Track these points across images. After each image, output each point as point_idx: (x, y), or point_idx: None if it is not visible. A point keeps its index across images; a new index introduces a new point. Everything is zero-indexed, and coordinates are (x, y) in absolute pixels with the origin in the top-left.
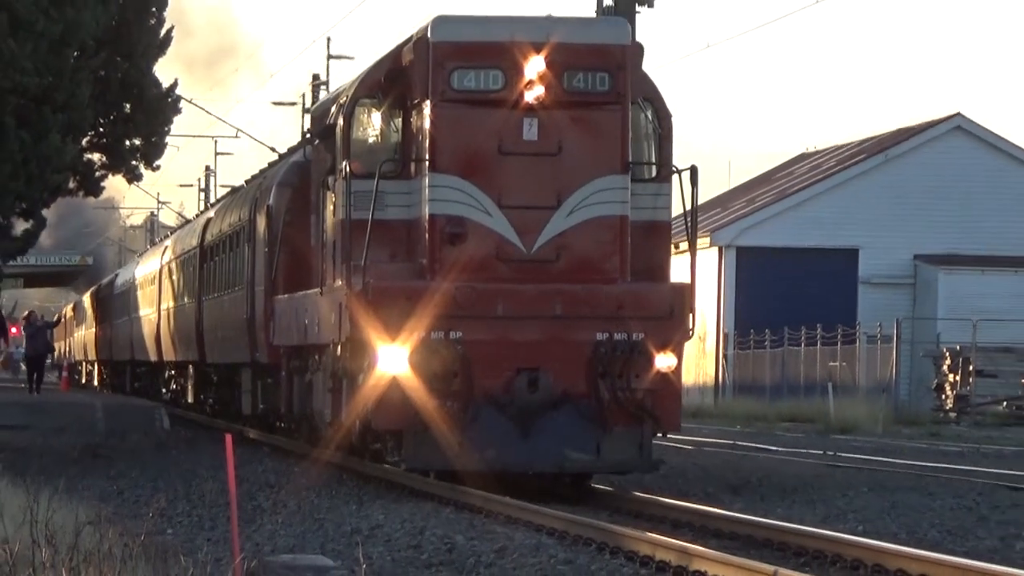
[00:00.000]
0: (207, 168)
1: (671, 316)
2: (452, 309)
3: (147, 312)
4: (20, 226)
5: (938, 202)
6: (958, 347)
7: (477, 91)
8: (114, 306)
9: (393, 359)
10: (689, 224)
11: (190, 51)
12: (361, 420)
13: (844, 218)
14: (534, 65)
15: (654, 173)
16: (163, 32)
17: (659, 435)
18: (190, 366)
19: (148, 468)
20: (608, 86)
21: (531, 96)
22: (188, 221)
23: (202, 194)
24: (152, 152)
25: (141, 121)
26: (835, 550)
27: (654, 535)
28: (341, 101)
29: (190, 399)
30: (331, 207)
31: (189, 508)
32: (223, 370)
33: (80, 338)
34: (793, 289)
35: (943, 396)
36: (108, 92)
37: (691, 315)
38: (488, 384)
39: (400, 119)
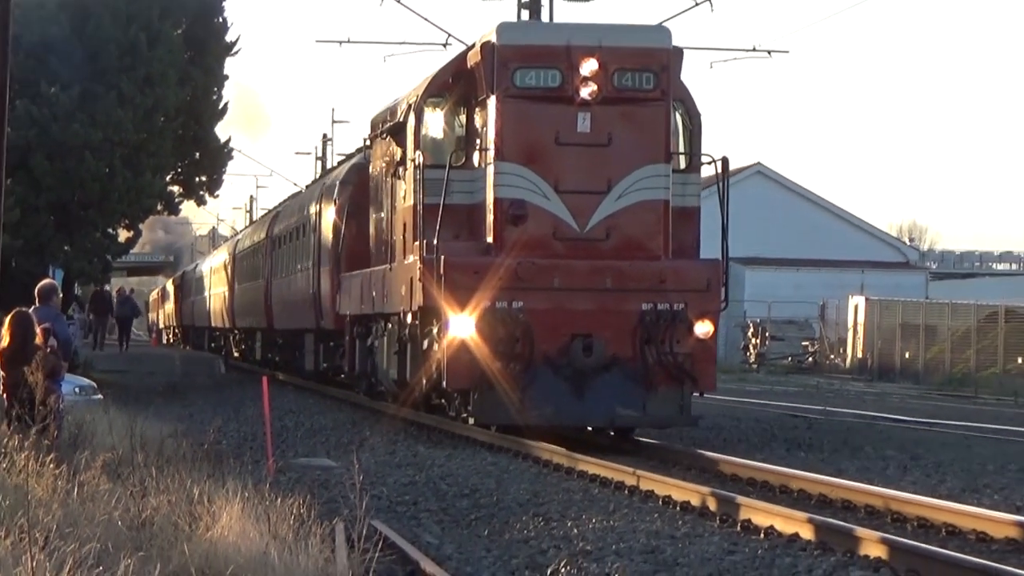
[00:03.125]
0: (251, 196)
1: (707, 289)
2: (514, 282)
3: (220, 290)
4: (123, 235)
5: (746, 222)
6: (759, 320)
7: (537, 88)
8: (193, 287)
9: (463, 326)
10: (722, 209)
11: (236, 116)
12: (430, 380)
13: None
14: (588, 65)
15: (684, 165)
16: (221, 105)
17: (696, 394)
18: (258, 332)
19: (210, 399)
20: (653, 85)
21: (585, 93)
22: (251, 224)
23: (247, 214)
24: (213, 185)
25: (206, 164)
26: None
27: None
28: (410, 101)
29: (258, 356)
30: (401, 194)
31: (237, 427)
32: (287, 335)
33: (167, 310)
34: None
35: (748, 353)
36: (184, 144)
37: (724, 288)
38: (546, 348)
39: (464, 116)
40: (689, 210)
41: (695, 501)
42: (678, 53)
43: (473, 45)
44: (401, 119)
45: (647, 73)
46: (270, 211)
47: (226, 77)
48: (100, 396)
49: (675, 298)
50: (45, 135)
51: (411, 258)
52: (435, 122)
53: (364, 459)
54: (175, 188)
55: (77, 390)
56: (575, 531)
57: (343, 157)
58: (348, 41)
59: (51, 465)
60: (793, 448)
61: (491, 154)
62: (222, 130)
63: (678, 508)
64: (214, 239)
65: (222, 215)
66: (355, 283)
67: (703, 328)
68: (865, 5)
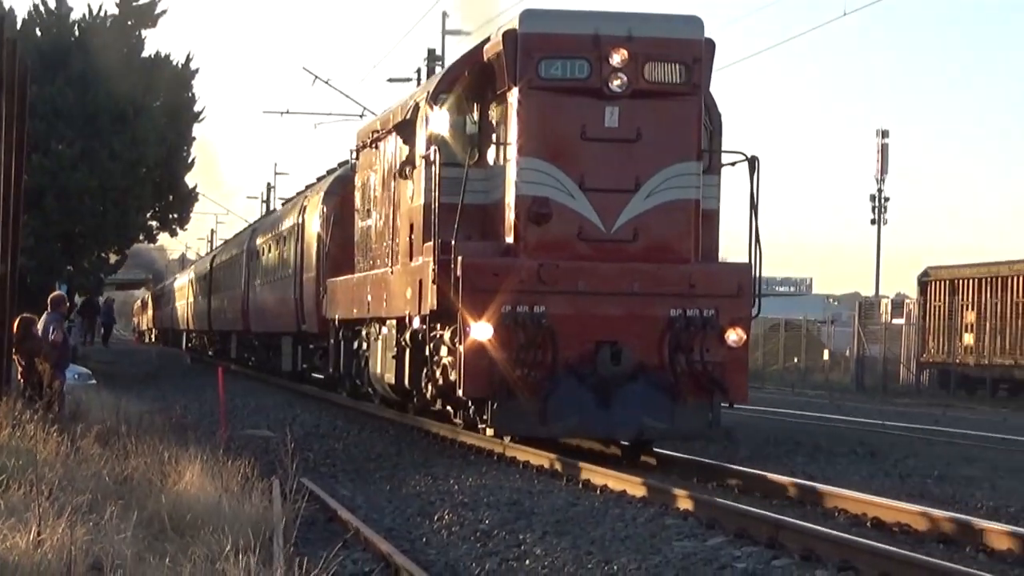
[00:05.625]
0: (212, 230)
1: (739, 295)
2: (537, 285)
3: (187, 301)
4: (113, 258)
5: None
6: None
7: (563, 80)
8: (166, 299)
9: (481, 331)
10: (751, 211)
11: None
12: (438, 386)
13: None
14: (617, 56)
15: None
16: (189, 159)
17: (725, 405)
18: (233, 334)
19: (178, 385)
20: (684, 78)
21: (614, 85)
22: (224, 242)
23: (209, 243)
24: (183, 221)
25: (177, 205)
26: None
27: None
28: (418, 99)
29: (233, 355)
30: (408, 194)
31: (199, 406)
32: (263, 337)
33: (147, 316)
34: None
35: None
36: (160, 190)
37: (756, 296)
38: (570, 355)
39: (477, 112)
40: (709, 213)
41: (547, 465)
42: (710, 45)
43: (488, 38)
44: (410, 116)
45: (679, 65)
46: (247, 227)
47: (193, 138)
48: (94, 381)
49: (705, 304)
50: (54, 182)
51: (420, 260)
52: (447, 118)
53: (296, 431)
54: (153, 223)
55: (76, 376)
56: (456, 487)
57: (324, 173)
58: (287, 112)
59: (55, 434)
60: None
61: (512, 150)
62: (190, 178)
63: (534, 470)
64: (183, 262)
65: (190, 244)
66: (344, 288)
67: (734, 336)
68: None
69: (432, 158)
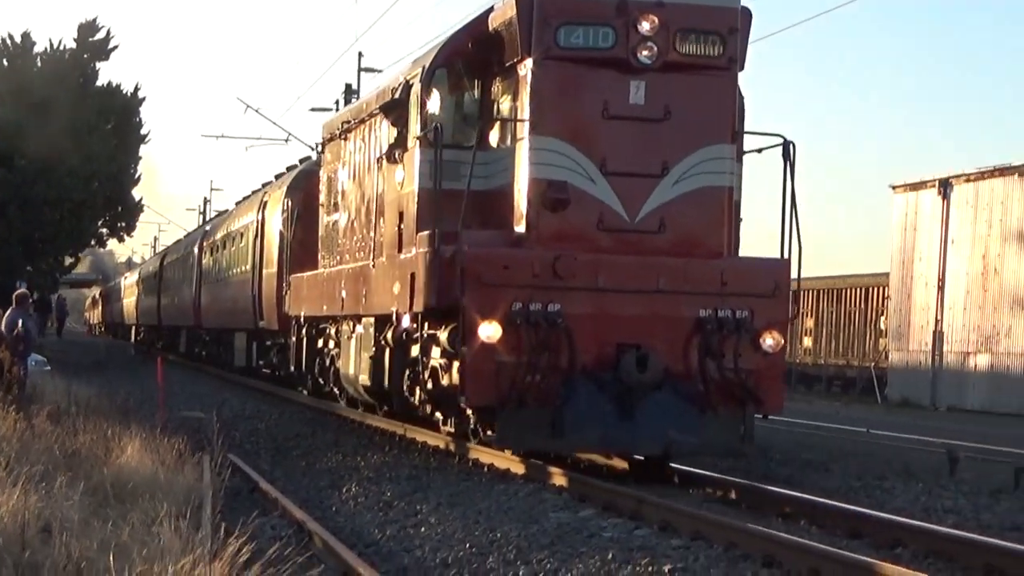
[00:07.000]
0: (155, 237)
1: (775, 294)
2: (552, 280)
3: (149, 294)
4: (68, 261)
5: None
6: None
7: (585, 49)
8: (114, 296)
9: (487, 331)
10: (791, 203)
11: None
12: (431, 390)
13: None
14: (647, 24)
15: None
16: (136, 176)
17: (760, 416)
18: (183, 329)
19: (123, 372)
20: (720, 50)
21: (643, 56)
22: (179, 239)
23: (153, 248)
24: (130, 229)
25: (125, 215)
26: None
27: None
28: (408, 76)
29: (182, 350)
30: (398, 180)
31: (140, 390)
32: (214, 333)
33: (97, 312)
34: None
35: None
36: (111, 202)
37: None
38: (588, 360)
39: (478, 89)
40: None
41: (442, 445)
42: (747, 15)
43: (491, 8)
44: (400, 95)
45: (713, 36)
46: (199, 226)
47: (140, 157)
48: (49, 368)
49: (738, 304)
50: (17, 193)
51: (413, 251)
52: (445, 95)
53: (224, 413)
54: (104, 230)
55: (34, 363)
56: (362, 464)
57: (283, 170)
58: (222, 136)
59: (13, 412)
60: None
61: (524, 127)
62: (136, 192)
63: (431, 450)
64: (130, 264)
65: (135, 249)
66: (312, 283)
67: (771, 341)
68: None
69: (431, 138)
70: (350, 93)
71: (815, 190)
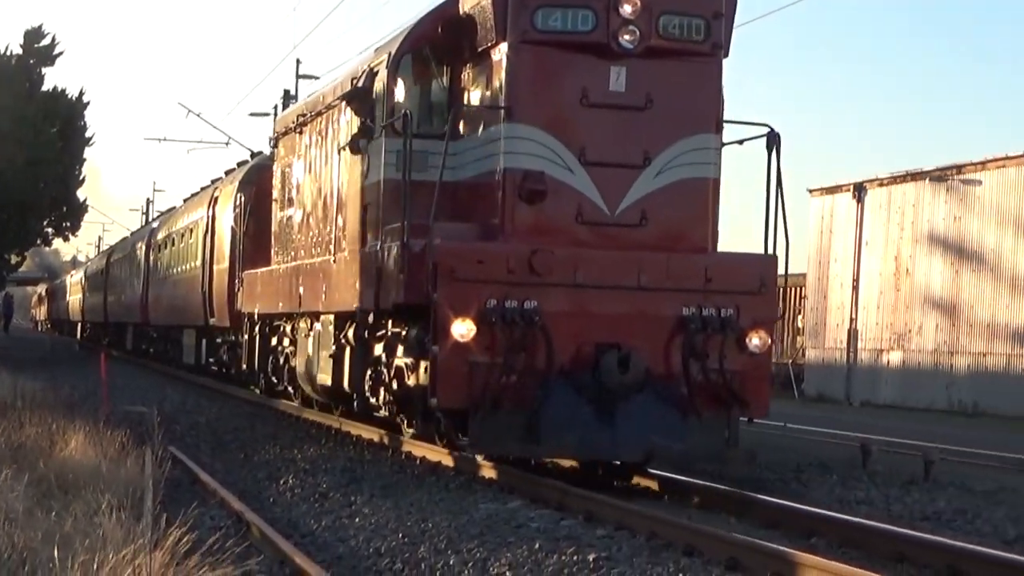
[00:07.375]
0: (99, 236)
1: (761, 291)
2: (528, 276)
3: (95, 291)
4: (14, 259)
5: None
6: None
7: (563, 32)
8: (61, 292)
9: (460, 329)
10: (777, 194)
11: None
12: (395, 391)
13: None
14: (629, 6)
15: None
16: (81, 177)
17: (745, 420)
18: (129, 326)
19: (68, 367)
20: (704, 35)
21: (625, 40)
22: (125, 237)
23: (97, 248)
24: (75, 228)
25: (70, 215)
26: None
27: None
28: (372, 64)
29: (129, 347)
30: (361, 170)
31: (85, 385)
32: (163, 330)
33: (43, 309)
34: None
35: None
36: (56, 203)
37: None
38: (566, 360)
39: (447, 76)
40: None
41: (376, 439)
42: (732, 0)
43: None
44: (364, 83)
45: (698, 20)
46: (147, 224)
47: (84, 159)
48: None
49: (723, 301)
50: None
51: (379, 245)
52: (413, 82)
53: (165, 407)
54: (49, 230)
55: None
56: (299, 456)
57: (234, 166)
58: (164, 139)
59: None
60: None
61: (498, 115)
62: (81, 193)
63: (365, 443)
64: (75, 263)
65: (80, 248)
66: (266, 279)
67: (757, 340)
68: None
69: (399, 127)
70: (288, 98)
71: (736, 194)
